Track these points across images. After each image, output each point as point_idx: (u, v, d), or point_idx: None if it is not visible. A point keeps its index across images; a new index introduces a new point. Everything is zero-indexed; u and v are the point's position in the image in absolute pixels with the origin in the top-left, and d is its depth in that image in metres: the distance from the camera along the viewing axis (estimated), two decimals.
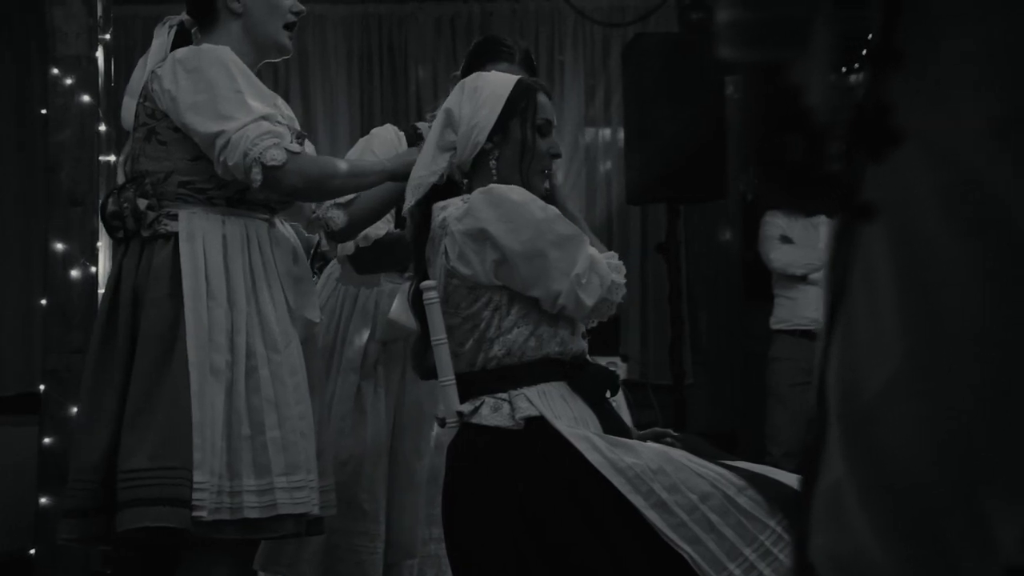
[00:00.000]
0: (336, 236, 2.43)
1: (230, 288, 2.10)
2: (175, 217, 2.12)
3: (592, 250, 2.04)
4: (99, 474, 2.02)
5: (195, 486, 1.97)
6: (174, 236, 2.11)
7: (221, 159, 2.06)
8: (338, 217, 2.37)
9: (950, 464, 0.80)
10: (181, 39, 2.27)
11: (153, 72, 2.17)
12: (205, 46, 2.18)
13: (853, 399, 0.82)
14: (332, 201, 2.35)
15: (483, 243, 2.00)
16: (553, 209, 2.05)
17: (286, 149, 2.09)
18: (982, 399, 0.79)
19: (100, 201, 2.34)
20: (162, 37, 2.27)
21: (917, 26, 0.81)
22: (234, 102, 2.08)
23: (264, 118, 2.10)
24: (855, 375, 0.82)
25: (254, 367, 2.08)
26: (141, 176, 2.16)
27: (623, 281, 2.06)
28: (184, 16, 2.30)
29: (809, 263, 4.51)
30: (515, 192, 2.03)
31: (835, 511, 0.83)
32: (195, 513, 1.97)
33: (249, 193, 2.17)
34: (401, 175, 2.21)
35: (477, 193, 2.05)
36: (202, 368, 2.03)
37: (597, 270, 2.01)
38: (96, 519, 2.03)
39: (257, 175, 2.05)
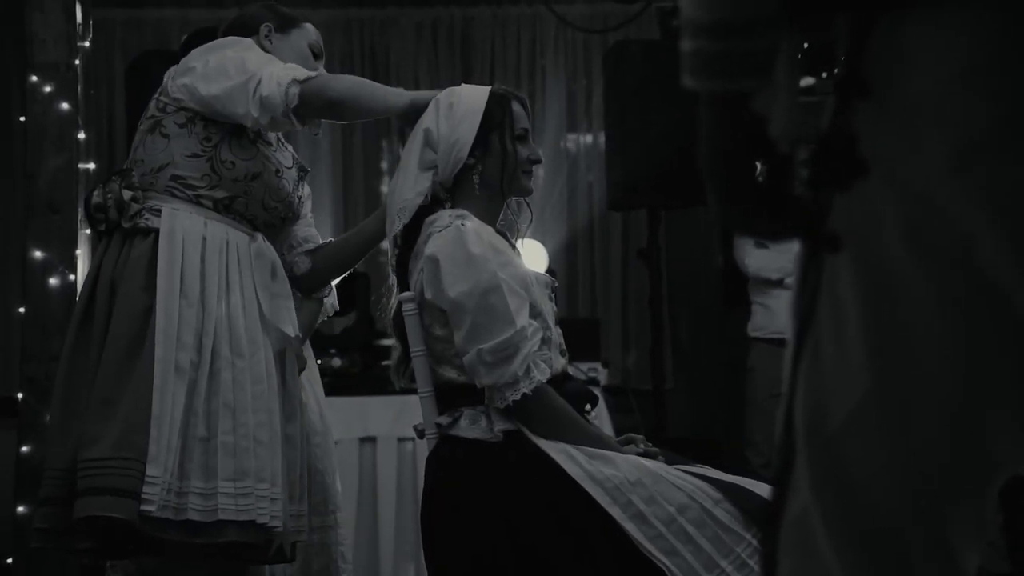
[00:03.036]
0: (300, 283, 2.43)
1: (203, 289, 2.10)
2: (158, 212, 2.13)
3: (524, 329, 1.98)
4: (70, 464, 2.02)
5: (147, 479, 1.97)
6: (154, 232, 2.11)
7: (256, 96, 2.09)
8: (302, 263, 2.38)
9: (914, 493, 0.81)
10: None
11: (175, 70, 2.20)
12: (228, 37, 2.27)
13: (819, 427, 0.83)
14: (300, 248, 2.39)
15: (435, 272, 2.02)
16: (512, 271, 2.02)
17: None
18: (945, 429, 0.80)
19: (84, 197, 2.35)
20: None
21: (883, 58, 0.82)
22: (261, 61, 2.15)
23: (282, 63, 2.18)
24: (821, 403, 0.83)
25: (218, 370, 2.07)
26: (131, 167, 2.18)
27: (543, 377, 1.99)
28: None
29: (783, 267, 4.50)
30: (477, 245, 2.02)
31: (802, 537, 0.84)
32: (143, 507, 1.96)
33: (237, 203, 2.18)
34: (417, 108, 2.19)
35: (455, 225, 2.06)
36: (166, 364, 2.03)
37: (514, 354, 1.96)
38: (62, 508, 2.03)
39: (294, 90, 2.07)
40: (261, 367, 2.12)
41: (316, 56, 2.37)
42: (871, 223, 0.81)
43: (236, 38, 2.26)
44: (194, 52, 2.22)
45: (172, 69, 2.23)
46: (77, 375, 2.10)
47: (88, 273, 2.21)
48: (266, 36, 2.32)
